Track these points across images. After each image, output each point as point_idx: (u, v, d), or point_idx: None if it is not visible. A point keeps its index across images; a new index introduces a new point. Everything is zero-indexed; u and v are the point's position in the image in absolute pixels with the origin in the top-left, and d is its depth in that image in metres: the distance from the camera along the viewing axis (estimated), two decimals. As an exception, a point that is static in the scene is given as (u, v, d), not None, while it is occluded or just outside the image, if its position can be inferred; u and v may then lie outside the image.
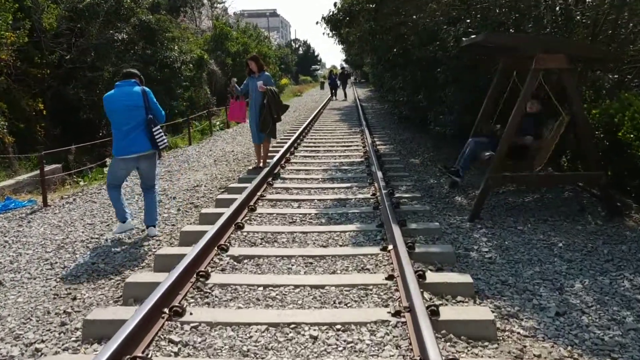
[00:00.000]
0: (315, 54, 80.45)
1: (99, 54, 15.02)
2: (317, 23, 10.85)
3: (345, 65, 56.75)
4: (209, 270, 4.40)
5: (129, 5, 15.49)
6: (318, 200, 6.96)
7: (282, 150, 10.48)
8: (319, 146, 12.12)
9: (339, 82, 33.38)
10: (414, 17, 9.87)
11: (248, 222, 6.02)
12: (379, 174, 7.62)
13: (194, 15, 37.77)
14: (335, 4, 10.30)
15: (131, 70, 5.91)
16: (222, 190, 8.11)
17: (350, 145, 12.06)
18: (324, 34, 11.08)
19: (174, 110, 16.04)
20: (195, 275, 4.25)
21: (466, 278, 4.10)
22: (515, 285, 4.23)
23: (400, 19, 9.50)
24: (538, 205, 6.55)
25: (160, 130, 5.67)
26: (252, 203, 6.61)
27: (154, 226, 6.10)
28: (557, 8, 7.17)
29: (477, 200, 5.84)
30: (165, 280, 3.92)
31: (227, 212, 5.84)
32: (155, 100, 5.72)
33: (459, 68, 8.53)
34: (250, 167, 9.30)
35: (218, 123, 17.80)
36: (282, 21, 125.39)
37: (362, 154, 10.63)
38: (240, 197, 6.51)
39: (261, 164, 9.10)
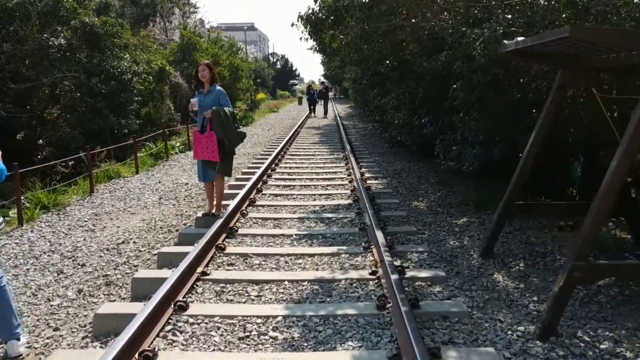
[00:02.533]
0: (294, 68, 78.42)
1: (31, 62, 12.45)
2: (292, 25, 8.52)
3: (324, 80, 54.76)
4: None
5: (71, 5, 12.98)
6: (289, 282, 4.54)
7: (248, 186, 8.05)
8: (294, 179, 9.72)
9: (317, 98, 31.13)
10: (414, 20, 7.63)
11: (169, 339, 3.57)
12: (379, 236, 5.25)
13: (164, 25, 35.35)
14: (316, 0, 7.99)
15: None
16: (154, 254, 5.66)
17: (334, 178, 9.68)
18: (301, 39, 8.75)
19: (122, 130, 13.48)
20: None
21: None
22: None
23: (400, 19, 7.24)
24: (626, 297, 4.23)
25: None
26: (182, 296, 4.16)
27: (17, 339, 3.63)
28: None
29: (552, 305, 3.48)
30: None
31: (139, 317, 3.43)
32: None
33: (483, 84, 6.25)
34: (201, 214, 6.84)
35: (178, 144, 15.30)
36: (260, 35, 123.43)
37: (350, 192, 8.26)
38: (168, 280, 4.10)
39: (213, 210, 6.69)
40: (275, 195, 8.26)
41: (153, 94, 17.71)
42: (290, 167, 11.08)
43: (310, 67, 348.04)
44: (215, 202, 6.85)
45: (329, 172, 10.35)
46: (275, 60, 74.69)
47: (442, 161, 7.50)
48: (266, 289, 4.42)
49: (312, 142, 16.12)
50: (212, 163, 6.48)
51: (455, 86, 6.59)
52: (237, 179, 9.57)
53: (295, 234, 6.01)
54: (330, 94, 46.80)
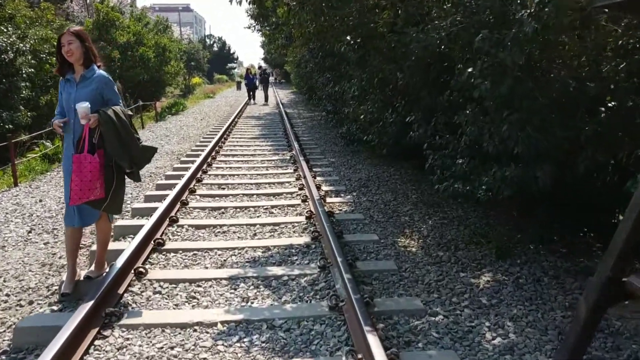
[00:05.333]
0: (232, 51, 74.41)
1: None
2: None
3: (263, 65, 51.78)
4: None
5: None
6: None
7: (158, 213, 5.48)
8: (228, 195, 7.16)
9: (258, 83, 28.31)
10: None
11: None
12: (371, 339, 2.87)
13: (85, 2, 31.50)
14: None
15: None
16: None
17: (281, 194, 7.19)
18: (231, 1, 6.17)
19: (5, 126, 10.40)
20: None
21: None
22: None
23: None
24: None
25: None
26: None
27: None
28: None
29: None
30: None
31: None
32: None
33: (517, 68, 3.92)
34: (59, 285, 4.21)
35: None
36: (196, 16, 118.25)
37: (305, 221, 5.81)
38: None
39: (81, 275, 4.12)
40: (198, 227, 5.68)
41: (57, 79, 14.56)
42: (223, 176, 8.49)
43: (249, 50, 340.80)
44: (96, 254, 4.29)
45: (274, 184, 7.85)
46: (212, 42, 70.51)
47: (439, 179, 5.15)
48: None
49: (252, 137, 13.51)
50: (98, 201, 3.90)
51: (470, 71, 4.22)
52: (147, 198, 6.92)
53: (222, 322, 3.51)
54: (271, 79, 44.03)
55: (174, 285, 4.13)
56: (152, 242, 4.94)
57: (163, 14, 44.34)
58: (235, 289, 4.07)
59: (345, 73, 9.98)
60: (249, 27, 19.55)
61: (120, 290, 3.93)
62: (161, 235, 5.21)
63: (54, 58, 14.06)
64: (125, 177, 4.13)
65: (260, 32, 19.23)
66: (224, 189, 7.59)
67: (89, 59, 3.95)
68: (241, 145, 11.96)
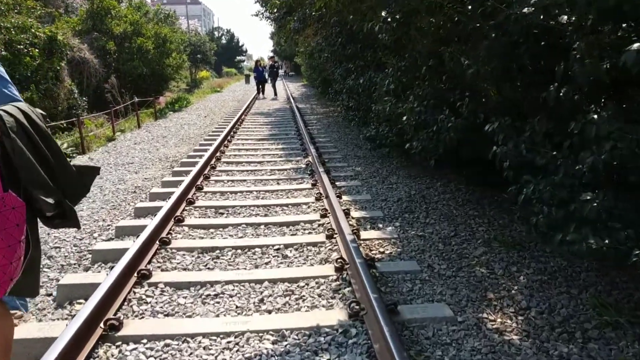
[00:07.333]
0: (240, 44, 72.41)
1: None
2: None
3: (273, 55, 49.85)
4: None
5: None
6: None
7: (122, 265, 3.74)
8: (226, 226, 5.33)
9: (267, 76, 26.46)
10: None
11: None
12: None
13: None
14: None
15: None
16: None
17: (297, 223, 5.35)
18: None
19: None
20: None
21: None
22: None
23: None
24: None
25: None
26: None
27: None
28: None
29: None
30: None
31: None
32: None
33: None
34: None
35: (65, 145, 10.53)
36: (205, 9, 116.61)
37: (334, 275, 3.98)
38: None
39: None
40: (179, 287, 3.87)
41: (40, 73, 12.84)
42: (222, 194, 6.68)
43: (258, 42, 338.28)
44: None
45: (288, 207, 6.00)
46: (220, 35, 68.55)
47: (549, 222, 3.29)
48: None
49: (261, 138, 11.69)
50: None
51: (637, 47, 2.35)
52: (118, 231, 5.12)
53: None
54: (281, 72, 42.11)
55: None
56: (101, 325, 3.15)
57: (171, 7, 42.77)
58: None
59: (372, 62, 8.11)
60: (257, 15, 17.67)
61: None
62: (118, 310, 3.41)
63: (35, 50, 12.27)
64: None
65: (268, 19, 17.34)
66: (222, 214, 5.78)
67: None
68: (247, 149, 10.14)
